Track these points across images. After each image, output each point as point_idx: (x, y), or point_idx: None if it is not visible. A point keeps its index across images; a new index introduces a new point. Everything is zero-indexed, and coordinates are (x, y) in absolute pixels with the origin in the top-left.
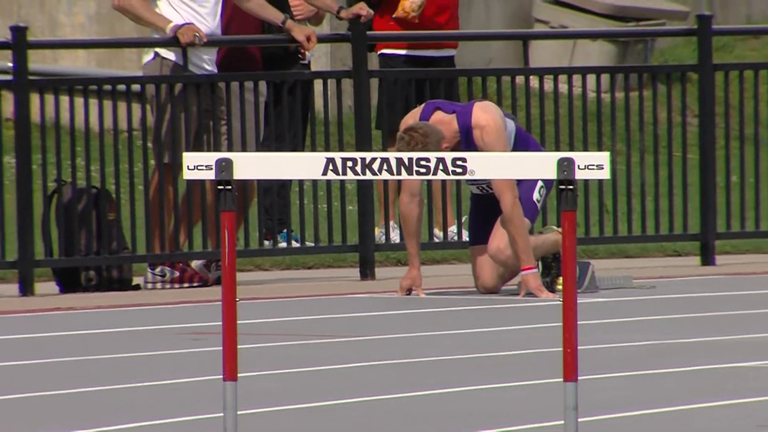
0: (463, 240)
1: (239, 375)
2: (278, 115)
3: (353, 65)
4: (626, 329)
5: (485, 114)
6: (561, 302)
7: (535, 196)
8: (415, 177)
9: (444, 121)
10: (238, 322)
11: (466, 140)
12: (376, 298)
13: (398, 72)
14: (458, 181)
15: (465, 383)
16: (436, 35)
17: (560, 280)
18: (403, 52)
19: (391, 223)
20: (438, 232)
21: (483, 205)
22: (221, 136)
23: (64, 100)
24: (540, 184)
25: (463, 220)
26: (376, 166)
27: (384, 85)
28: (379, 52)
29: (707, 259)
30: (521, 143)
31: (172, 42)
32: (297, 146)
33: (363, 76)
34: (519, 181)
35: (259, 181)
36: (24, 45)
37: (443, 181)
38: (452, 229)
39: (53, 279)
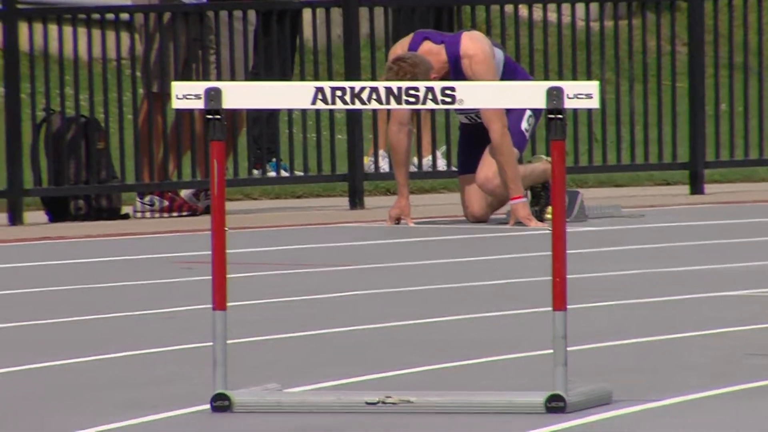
0: (446, 169)
1: (228, 304)
2: (267, 45)
3: None
4: (615, 258)
5: (474, 43)
6: (550, 231)
7: (524, 125)
8: (404, 106)
9: (433, 51)
10: (227, 251)
11: (455, 70)
12: (365, 228)
13: (388, 1)
14: (446, 110)
15: (454, 313)
16: None
17: (549, 209)
18: None
19: (381, 152)
20: (415, 161)
21: (472, 135)
22: (210, 65)
23: (53, 29)
24: (528, 113)
25: (441, 151)
26: (365, 95)
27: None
28: None
29: (696, 187)
30: (510, 73)
31: None
32: (286, 75)
33: (352, 4)
34: (507, 111)
35: (248, 110)
36: None
37: (418, 111)
38: (428, 158)
39: (42, 208)
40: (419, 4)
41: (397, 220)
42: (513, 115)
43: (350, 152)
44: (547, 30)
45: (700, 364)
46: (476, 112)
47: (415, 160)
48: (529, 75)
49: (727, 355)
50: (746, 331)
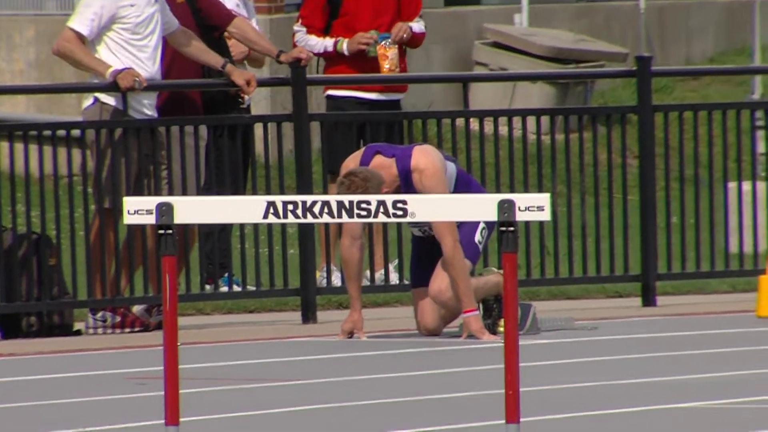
0: (399, 283)
1: (181, 420)
2: (218, 159)
3: (293, 109)
4: (568, 371)
5: (424, 157)
6: (503, 344)
7: (477, 237)
8: (356, 219)
9: (384, 165)
10: (180, 366)
11: (406, 184)
12: (318, 342)
13: (338, 115)
14: (399, 224)
15: (407, 426)
16: (378, 78)
17: (502, 321)
18: (351, 93)
19: (332, 266)
20: (368, 274)
21: (424, 248)
22: (162, 180)
23: (4, 146)
24: (482, 225)
25: (393, 264)
26: (317, 209)
27: (324, 128)
28: (326, 94)
29: (648, 299)
30: (462, 185)
31: (111, 87)
32: (237, 190)
33: (303, 119)
34: (460, 224)
35: (200, 225)
36: None
37: (370, 225)
38: (380, 272)
39: None
40: (370, 120)
41: (350, 334)
42: (466, 227)
43: (302, 267)
44: (499, 143)
45: None
46: (428, 224)
47: (368, 273)
48: (482, 187)
49: None
50: None
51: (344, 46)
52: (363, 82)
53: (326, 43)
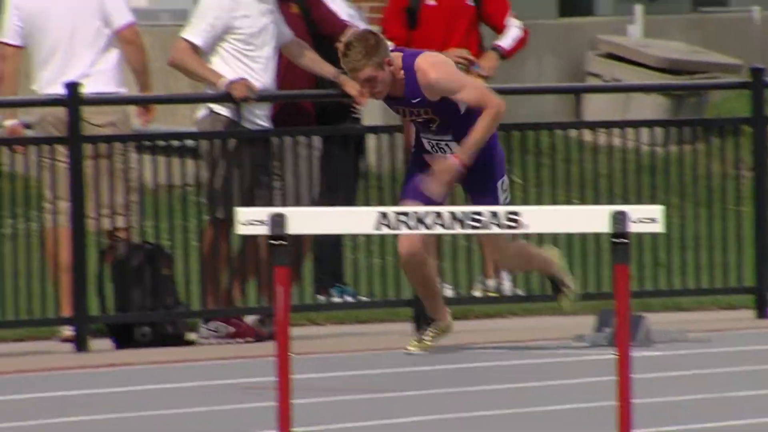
0: (515, 294)
1: (293, 430)
2: (331, 170)
3: None
4: (681, 383)
5: (433, 71)
6: (615, 356)
7: (501, 203)
8: (468, 231)
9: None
10: (292, 377)
11: (408, 77)
12: (429, 354)
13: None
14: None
15: None
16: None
17: (429, 332)
18: None
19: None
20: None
21: (423, 162)
22: (275, 191)
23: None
24: (499, 182)
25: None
26: (429, 220)
27: None
28: None
29: (762, 312)
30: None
31: (225, 97)
32: (350, 200)
33: None
34: (479, 195)
35: (312, 235)
36: (77, 100)
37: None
38: (493, 281)
39: (108, 335)
40: None
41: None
42: (488, 198)
43: None
44: (612, 154)
45: None
46: (444, 140)
47: (481, 278)
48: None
49: None
50: None
51: None
52: None
53: None
